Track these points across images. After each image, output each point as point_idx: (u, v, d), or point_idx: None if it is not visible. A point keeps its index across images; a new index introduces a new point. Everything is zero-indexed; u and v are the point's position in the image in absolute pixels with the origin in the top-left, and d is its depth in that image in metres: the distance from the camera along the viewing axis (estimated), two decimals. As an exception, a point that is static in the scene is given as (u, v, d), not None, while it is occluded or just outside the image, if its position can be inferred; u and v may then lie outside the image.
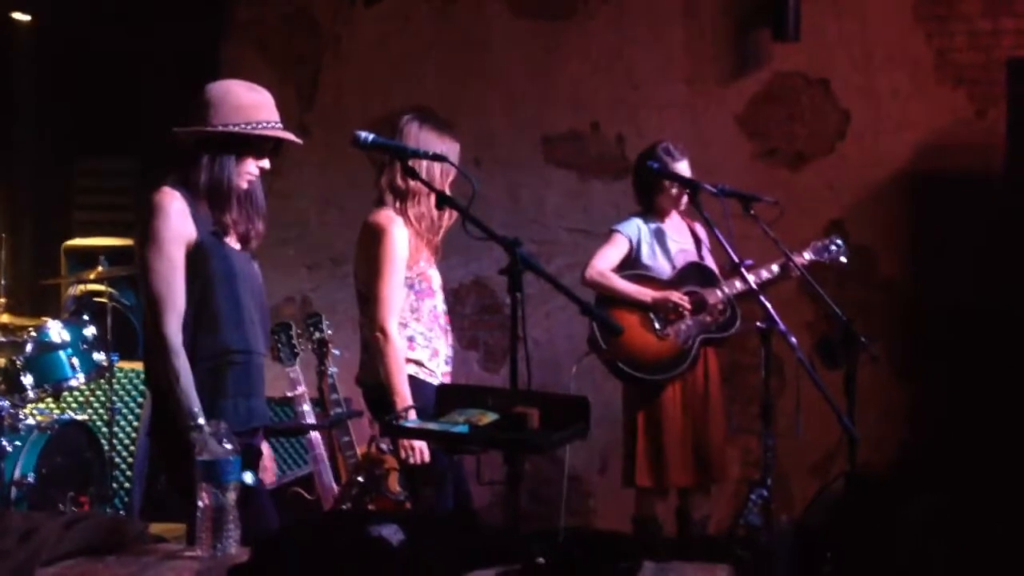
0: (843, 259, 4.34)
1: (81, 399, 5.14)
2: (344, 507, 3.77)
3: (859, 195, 5.23)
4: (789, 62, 5.28)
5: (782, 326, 3.71)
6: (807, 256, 4.28)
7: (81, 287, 5.19)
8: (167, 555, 2.08)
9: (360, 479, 3.57)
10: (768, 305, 3.80)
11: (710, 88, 5.38)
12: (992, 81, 4.96)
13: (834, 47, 5.24)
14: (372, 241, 3.53)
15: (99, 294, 5.10)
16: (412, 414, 3.22)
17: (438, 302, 3.67)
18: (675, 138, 4.57)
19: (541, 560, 1.88)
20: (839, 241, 4.35)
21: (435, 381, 3.51)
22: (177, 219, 2.79)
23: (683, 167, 4.28)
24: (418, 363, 3.56)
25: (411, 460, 3.43)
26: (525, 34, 5.56)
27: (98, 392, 5.10)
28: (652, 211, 4.38)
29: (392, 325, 3.48)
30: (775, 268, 4.24)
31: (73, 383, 4.60)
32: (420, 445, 3.43)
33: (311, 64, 5.79)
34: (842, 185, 5.26)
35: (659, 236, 4.36)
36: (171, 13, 5.71)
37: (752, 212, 4.07)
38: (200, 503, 2.07)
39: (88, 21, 5.77)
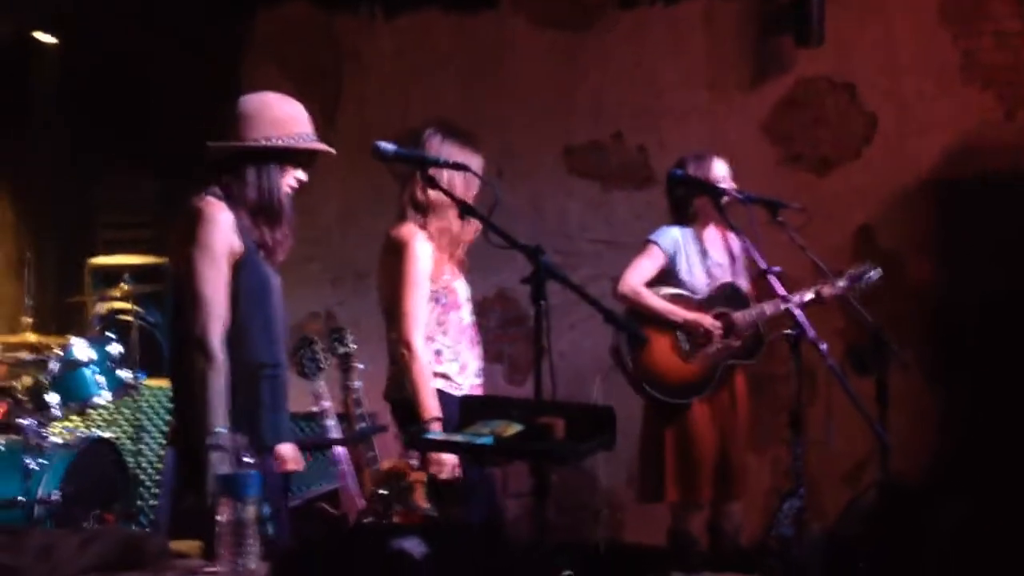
0: (876, 283, 4.25)
1: (107, 417, 5.14)
2: (367, 521, 3.74)
3: (886, 200, 5.16)
4: (813, 67, 5.23)
5: (812, 333, 3.65)
6: (841, 284, 4.19)
7: (106, 305, 5.20)
8: (187, 571, 2.05)
9: (383, 492, 3.53)
10: (798, 312, 3.75)
11: (733, 95, 5.33)
12: (1020, 82, 4.90)
13: (859, 51, 5.18)
14: (394, 256, 3.52)
15: (124, 312, 5.11)
16: (437, 426, 3.18)
17: (465, 314, 3.65)
18: (698, 146, 4.53)
19: (568, 573, 1.83)
20: (875, 270, 4.22)
21: (463, 394, 3.48)
22: (226, 230, 2.80)
23: (720, 167, 4.23)
24: (445, 377, 3.54)
25: (441, 475, 3.40)
26: (545, 45, 5.54)
27: (124, 410, 5.10)
28: (691, 220, 4.30)
29: (417, 340, 3.46)
30: (807, 296, 4.14)
31: (99, 401, 4.60)
32: (451, 460, 3.39)
33: (332, 79, 5.80)
34: (869, 190, 5.19)
35: (696, 248, 4.28)
36: (194, 34, 5.74)
37: (779, 219, 4.02)
38: (220, 518, 2.04)
39: (110, 42, 5.80)
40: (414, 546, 1.81)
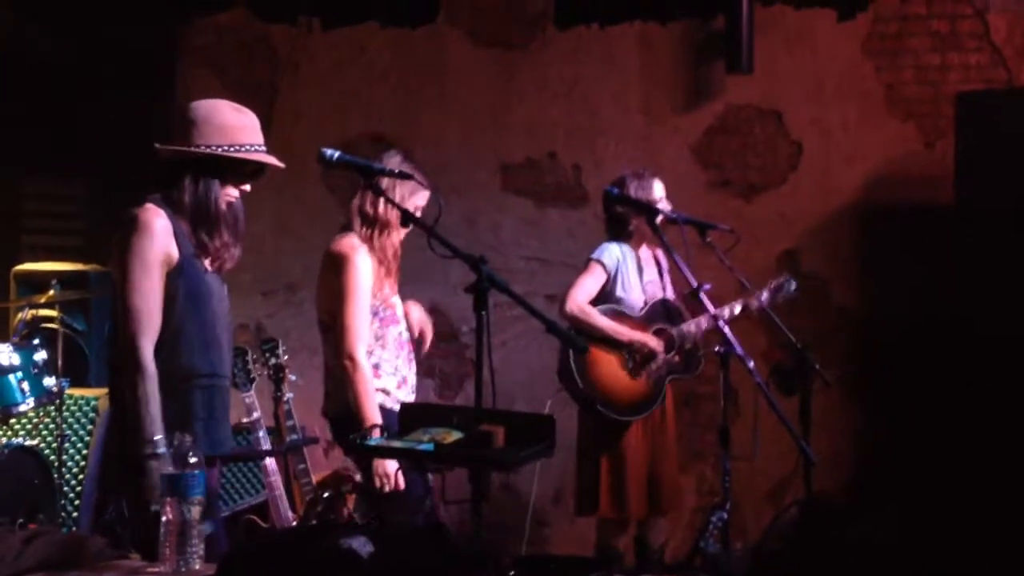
0: (793, 295, 4.43)
1: (30, 425, 5.03)
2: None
3: (811, 226, 5.30)
4: (742, 94, 5.36)
5: (739, 350, 3.75)
6: (764, 297, 4.32)
7: (31, 311, 5.09)
8: (130, 571, 2.04)
9: (326, 496, 3.53)
10: (726, 330, 3.84)
11: (665, 118, 5.44)
12: (940, 115, 5.07)
13: (786, 80, 5.33)
14: (336, 269, 3.50)
15: (50, 319, 5.00)
16: (377, 432, 3.19)
17: (402, 329, 3.66)
18: (632, 167, 4.60)
19: (512, 573, 1.87)
20: (793, 282, 4.41)
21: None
22: (161, 237, 2.76)
23: (659, 187, 4.33)
24: (384, 391, 3.53)
25: (385, 488, 3.38)
26: (482, 63, 5.59)
27: (47, 418, 4.99)
28: (628, 238, 4.38)
29: (360, 352, 3.45)
30: (736, 308, 4.27)
31: (23, 408, 4.51)
32: (392, 469, 3.37)
33: (267, 91, 5.77)
34: (794, 216, 5.33)
35: (634, 265, 4.38)
36: (126, 38, 5.67)
37: (708, 240, 4.12)
38: (164, 517, 2.03)
39: (39, 44, 5.70)
40: (361, 545, 1.83)
